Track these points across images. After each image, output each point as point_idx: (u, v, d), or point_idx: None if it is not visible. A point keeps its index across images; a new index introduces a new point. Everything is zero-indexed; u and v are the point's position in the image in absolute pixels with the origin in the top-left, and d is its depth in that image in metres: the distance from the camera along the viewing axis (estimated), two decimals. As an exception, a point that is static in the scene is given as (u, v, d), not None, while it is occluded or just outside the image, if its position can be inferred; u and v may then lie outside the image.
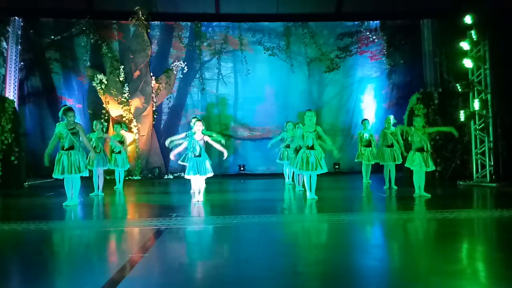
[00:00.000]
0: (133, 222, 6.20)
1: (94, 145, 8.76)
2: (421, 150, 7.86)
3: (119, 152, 9.62)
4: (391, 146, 9.48)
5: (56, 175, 7.23)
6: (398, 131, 9.03)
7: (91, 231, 5.63)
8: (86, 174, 7.46)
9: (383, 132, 9.72)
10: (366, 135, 10.40)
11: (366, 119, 10.87)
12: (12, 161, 10.46)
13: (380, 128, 11.16)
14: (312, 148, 7.64)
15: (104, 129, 9.41)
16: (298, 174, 9.06)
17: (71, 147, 7.20)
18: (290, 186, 10.01)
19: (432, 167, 7.98)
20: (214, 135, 8.32)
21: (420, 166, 7.84)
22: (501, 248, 4.45)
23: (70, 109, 7.39)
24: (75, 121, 7.40)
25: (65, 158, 7.16)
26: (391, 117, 9.84)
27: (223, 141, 8.04)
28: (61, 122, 7.29)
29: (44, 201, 8.41)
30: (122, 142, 9.83)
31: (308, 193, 7.77)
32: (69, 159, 7.15)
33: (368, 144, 10.38)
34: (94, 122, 9.19)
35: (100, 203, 8.06)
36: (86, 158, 7.65)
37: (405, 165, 8.29)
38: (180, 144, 7.99)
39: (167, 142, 8.49)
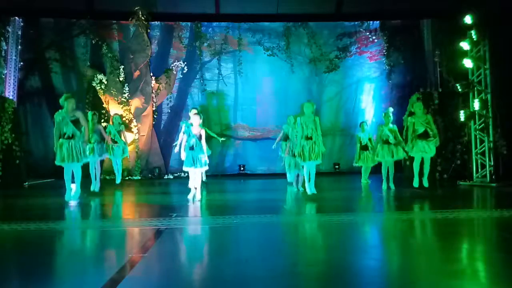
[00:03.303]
0: (133, 222, 6.19)
1: (90, 136, 8.73)
2: (421, 136, 7.86)
3: (116, 142, 9.67)
4: (388, 142, 9.29)
5: (57, 162, 7.29)
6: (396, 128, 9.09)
7: (91, 231, 5.62)
8: (86, 161, 7.55)
9: (381, 128, 9.36)
10: (364, 138, 10.37)
11: (364, 122, 10.82)
12: (12, 161, 10.45)
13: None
14: (311, 138, 7.67)
15: (99, 120, 9.30)
16: (297, 175, 9.11)
17: (72, 136, 7.23)
18: (290, 186, 10.00)
19: (431, 152, 7.92)
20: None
21: (420, 153, 7.85)
22: (501, 248, 4.44)
23: (71, 96, 7.40)
24: (75, 109, 7.42)
25: (65, 146, 7.19)
26: (390, 110, 9.51)
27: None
28: (61, 110, 7.32)
29: (44, 201, 8.41)
30: (120, 132, 9.84)
31: (307, 188, 7.80)
32: (69, 147, 7.18)
33: (366, 147, 10.33)
34: (89, 113, 9.07)
35: (100, 203, 8.06)
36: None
37: (409, 154, 8.36)
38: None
39: (176, 150, 8.64)
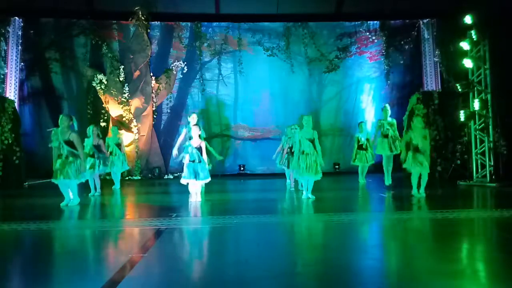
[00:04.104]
0: (133, 222, 6.20)
1: (92, 152, 8.66)
2: (416, 150, 7.78)
3: (116, 155, 9.70)
4: (388, 136, 9.33)
5: (53, 179, 7.25)
6: (395, 123, 9.13)
7: (91, 231, 5.63)
8: (82, 180, 7.46)
9: (380, 123, 9.58)
10: (362, 139, 10.39)
11: (363, 122, 10.86)
12: (12, 161, 10.45)
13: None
14: (308, 153, 7.64)
15: (100, 135, 9.09)
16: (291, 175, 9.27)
17: (66, 155, 7.18)
18: (290, 186, 10.01)
19: (424, 168, 7.74)
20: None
21: (418, 167, 7.77)
22: (501, 248, 4.44)
23: (65, 116, 7.31)
24: (71, 128, 7.28)
25: (60, 164, 7.16)
26: (388, 106, 9.69)
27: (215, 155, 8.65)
28: (56, 129, 7.28)
29: (44, 201, 8.41)
30: (119, 144, 9.85)
31: (304, 193, 7.81)
32: (64, 165, 7.14)
33: (363, 147, 10.36)
34: (90, 127, 8.92)
35: (100, 203, 8.05)
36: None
37: (403, 166, 8.24)
38: (182, 145, 7.95)
39: (174, 154, 8.23)
